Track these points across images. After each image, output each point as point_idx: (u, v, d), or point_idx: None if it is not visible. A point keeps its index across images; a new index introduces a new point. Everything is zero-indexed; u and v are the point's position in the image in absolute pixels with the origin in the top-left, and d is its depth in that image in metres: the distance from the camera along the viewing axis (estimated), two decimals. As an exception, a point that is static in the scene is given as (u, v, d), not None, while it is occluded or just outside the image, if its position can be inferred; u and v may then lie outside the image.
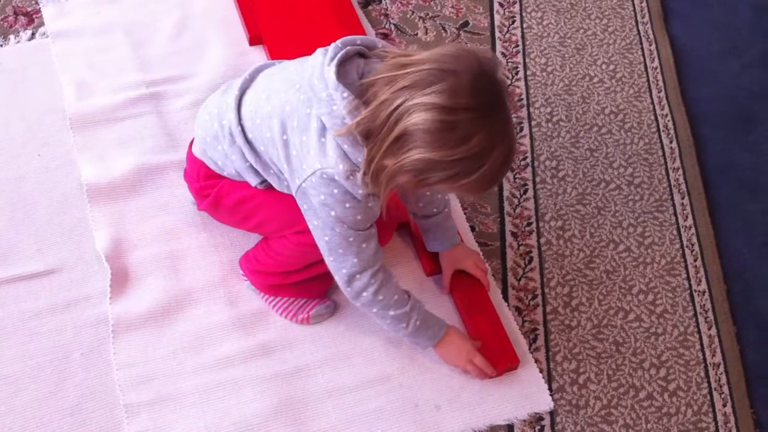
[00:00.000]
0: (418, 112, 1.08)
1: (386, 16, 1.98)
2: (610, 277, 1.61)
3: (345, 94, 1.13)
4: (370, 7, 1.99)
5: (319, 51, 1.20)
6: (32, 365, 1.36)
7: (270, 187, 1.33)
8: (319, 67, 1.16)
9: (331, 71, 1.14)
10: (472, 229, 1.62)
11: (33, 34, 1.80)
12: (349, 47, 1.18)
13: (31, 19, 1.83)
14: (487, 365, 1.39)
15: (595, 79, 1.94)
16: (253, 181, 1.32)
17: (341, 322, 1.47)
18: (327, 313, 1.46)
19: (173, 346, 1.40)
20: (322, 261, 1.31)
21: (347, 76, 1.16)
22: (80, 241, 1.49)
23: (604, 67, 1.97)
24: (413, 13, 2.00)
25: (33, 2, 1.86)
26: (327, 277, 1.37)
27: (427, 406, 1.39)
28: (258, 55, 1.81)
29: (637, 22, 2.07)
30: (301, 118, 1.19)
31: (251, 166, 1.30)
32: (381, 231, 1.48)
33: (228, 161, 1.32)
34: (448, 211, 1.49)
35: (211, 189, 1.39)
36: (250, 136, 1.27)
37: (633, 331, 1.54)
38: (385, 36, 1.94)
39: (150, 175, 1.58)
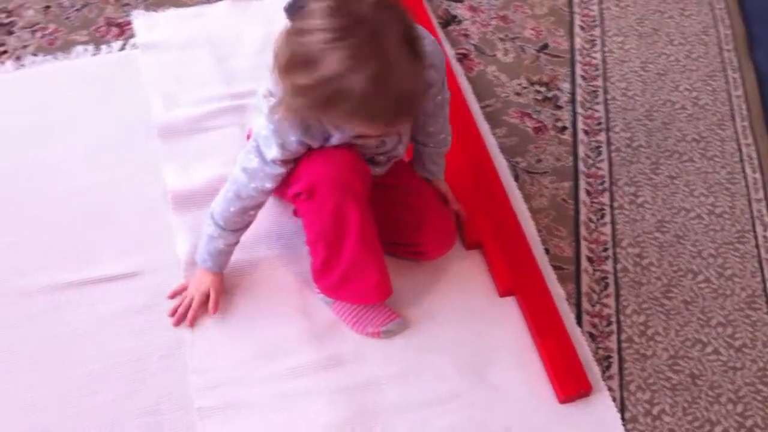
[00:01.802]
0: (286, 41, 1.11)
1: (466, 36, 1.99)
2: (688, 308, 1.57)
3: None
4: (450, 27, 2.01)
5: None
6: (110, 365, 1.39)
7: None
8: None
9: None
10: (547, 251, 1.61)
11: (123, 45, 1.86)
12: None
13: (123, 30, 1.89)
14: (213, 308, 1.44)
15: (677, 106, 1.91)
16: None
17: (412, 338, 1.46)
18: (398, 329, 1.46)
19: (247, 354, 1.41)
20: (345, 242, 1.35)
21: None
22: (162, 247, 1.53)
23: (686, 93, 1.94)
24: (493, 34, 2.01)
25: (125, 14, 1.92)
26: (370, 272, 1.39)
27: (497, 428, 1.37)
28: (339, 71, 1.84)
29: (721, 49, 2.04)
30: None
31: None
32: (433, 237, 1.50)
33: None
34: (442, 150, 1.52)
35: None
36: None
37: (710, 364, 1.50)
38: (464, 56, 1.94)
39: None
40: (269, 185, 1.33)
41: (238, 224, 1.39)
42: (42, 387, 1.36)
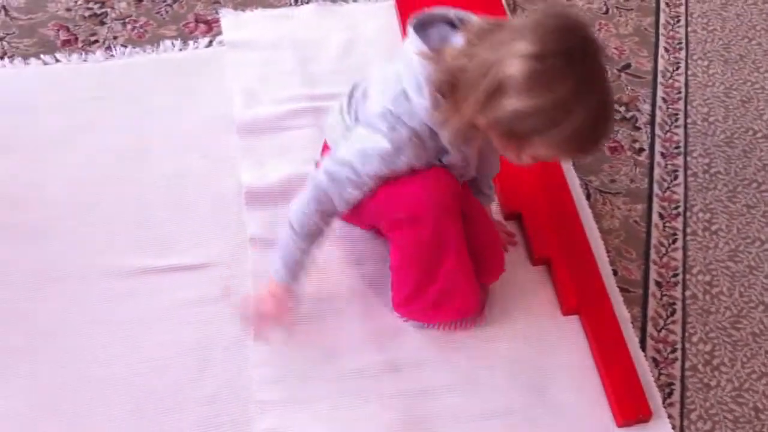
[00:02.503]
0: (510, 62, 1.10)
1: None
2: (756, 340, 1.54)
3: (420, 44, 1.19)
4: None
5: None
6: (176, 351, 1.43)
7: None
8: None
9: (410, 29, 1.19)
10: (614, 273, 1.60)
11: (210, 42, 1.91)
12: (435, 12, 1.24)
13: (210, 27, 1.95)
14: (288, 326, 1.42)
15: (759, 134, 1.87)
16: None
17: (471, 350, 1.46)
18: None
19: (308, 352, 1.43)
20: (443, 261, 1.35)
21: (428, 39, 1.20)
22: (234, 241, 1.56)
23: (770, 122, 1.90)
24: (575, 51, 1.99)
25: (213, 12, 1.97)
26: (467, 290, 1.40)
27: (552, 446, 1.37)
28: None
29: (809, 79, 1.99)
30: (388, 81, 1.26)
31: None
32: (490, 265, 1.48)
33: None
34: (494, 173, 1.53)
35: None
36: (360, 116, 1.33)
37: (776, 400, 1.47)
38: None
39: (304, 184, 1.62)
40: (351, 190, 1.29)
41: (311, 228, 1.32)
42: (112, 365, 1.41)
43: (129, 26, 1.93)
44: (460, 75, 1.16)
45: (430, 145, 1.27)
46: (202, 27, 1.95)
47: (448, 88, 1.18)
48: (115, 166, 1.67)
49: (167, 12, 1.97)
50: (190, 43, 1.90)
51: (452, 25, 1.25)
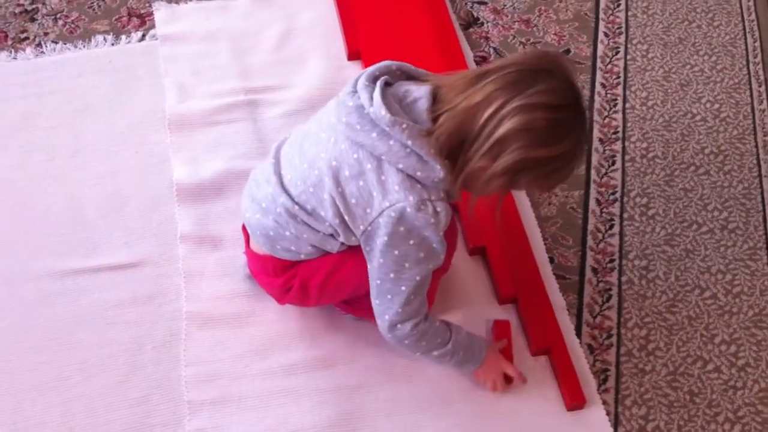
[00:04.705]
0: (523, 114, 1.09)
1: (486, 39, 1.98)
2: (692, 324, 1.55)
3: (404, 126, 1.12)
4: (471, 29, 1.99)
5: (345, 94, 1.18)
6: (107, 353, 1.41)
7: (349, 248, 1.28)
8: (354, 112, 1.15)
9: (381, 110, 1.12)
10: (551, 260, 1.59)
11: (143, 36, 1.88)
12: (383, 77, 1.18)
13: (143, 21, 1.91)
14: (517, 376, 1.40)
15: (698, 117, 1.88)
16: (335, 246, 1.28)
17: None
18: None
19: (241, 349, 1.42)
20: None
21: (390, 106, 1.14)
22: (166, 238, 1.54)
23: (708, 105, 1.90)
24: (514, 37, 1.99)
25: (147, 5, 1.94)
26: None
27: (486, 436, 1.37)
28: (355, 70, 1.83)
29: (748, 61, 2.00)
30: (351, 166, 1.17)
31: (325, 234, 1.26)
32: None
33: (301, 241, 1.27)
34: None
35: (292, 280, 1.34)
36: (309, 207, 1.23)
37: (710, 383, 1.47)
38: (483, 59, 1.93)
39: (238, 179, 1.61)
40: (421, 298, 1.26)
41: (418, 329, 1.26)
42: (43, 369, 1.39)
43: (60, 22, 1.89)
44: (460, 136, 1.12)
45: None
46: (135, 21, 1.91)
47: (449, 152, 1.14)
48: (46, 164, 1.64)
49: (99, 6, 1.93)
50: (123, 37, 1.87)
51: (402, 75, 1.22)
